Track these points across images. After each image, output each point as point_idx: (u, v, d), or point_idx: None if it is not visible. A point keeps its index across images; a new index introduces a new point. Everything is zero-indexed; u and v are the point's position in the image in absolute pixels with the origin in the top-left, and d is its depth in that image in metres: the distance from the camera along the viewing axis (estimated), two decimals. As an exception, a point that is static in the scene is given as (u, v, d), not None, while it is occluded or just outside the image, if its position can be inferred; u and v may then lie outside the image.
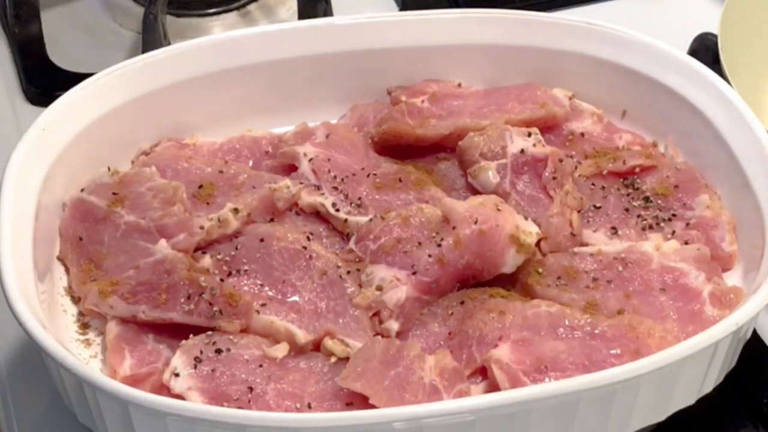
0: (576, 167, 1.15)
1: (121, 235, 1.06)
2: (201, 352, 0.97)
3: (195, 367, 0.96)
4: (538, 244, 1.07)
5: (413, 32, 1.23)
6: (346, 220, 1.10)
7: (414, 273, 1.03)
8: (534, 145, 1.13)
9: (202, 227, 1.06)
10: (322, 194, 1.12)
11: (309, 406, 0.94)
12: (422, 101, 1.20)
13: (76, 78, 1.18)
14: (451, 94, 1.23)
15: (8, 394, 1.06)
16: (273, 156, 1.17)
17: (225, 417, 0.87)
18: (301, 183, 1.13)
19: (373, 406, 0.92)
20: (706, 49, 1.35)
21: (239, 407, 0.93)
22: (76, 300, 1.05)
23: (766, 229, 1.05)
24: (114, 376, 0.96)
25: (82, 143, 1.11)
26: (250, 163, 1.17)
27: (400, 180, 1.13)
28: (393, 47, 1.23)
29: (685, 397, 0.97)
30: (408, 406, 0.91)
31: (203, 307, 1.00)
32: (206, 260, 1.05)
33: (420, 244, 1.05)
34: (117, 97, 1.15)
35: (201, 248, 1.07)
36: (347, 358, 0.97)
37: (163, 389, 0.95)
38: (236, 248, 1.06)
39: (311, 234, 1.08)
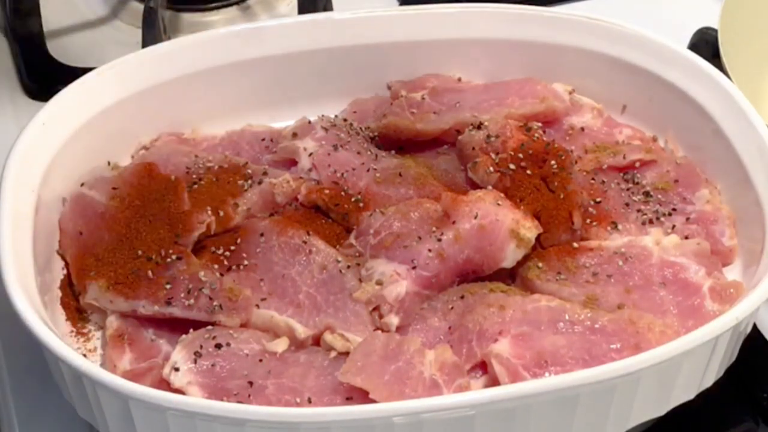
0: (576, 162, 1.15)
1: (121, 229, 1.06)
2: (201, 346, 0.97)
3: (195, 362, 0.96)
4: (538, 238, 1.07)
5: (413, 27, 1.23)
6: (346, 214, 1.10)
7: (414, 267, 1.03)
8: (534, 139, 1.13)
9: (201, 222, 1.06)
10: (322, 189, 1.12)
11: (309, 401, 0.94)
12: (422, 96, 1.20)
13: (76, 73, 1.18)
14: (451, 88, 1.23)
15: (8, 389, 1.06)
16: (273, 150, 1.17)
17: (225, 411, 0.87)
18: (301, 177, 1.13)
19: (373, 401, 0.92)
20: (706, 44, 1.35)
21: (239, 402, 0.93)
22: (75, 294, 1.05)
23: (766, 223, 1.05)
24: (114, 371, 0.96)
25: (82, 138, 1.11)
26: (250, 157, 1.17)
27: (400, 174, 1.13)
28: (393, 42, 1.23)
29: (685, 392, 0.97)
30: (408, 400, 0.91)
31: (203, 301, 1.00)
32: (206, 255, 1.06)
33: (420, 238, 1.05)
34: (117, 91, 1.15)
35: (201, 243, 1.07)
36: (347, 353, 0.97)
37: (163, 384, 0.95)
38: (236, 243, 1.06)
39: (311, 229, 1.08)
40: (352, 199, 1.11)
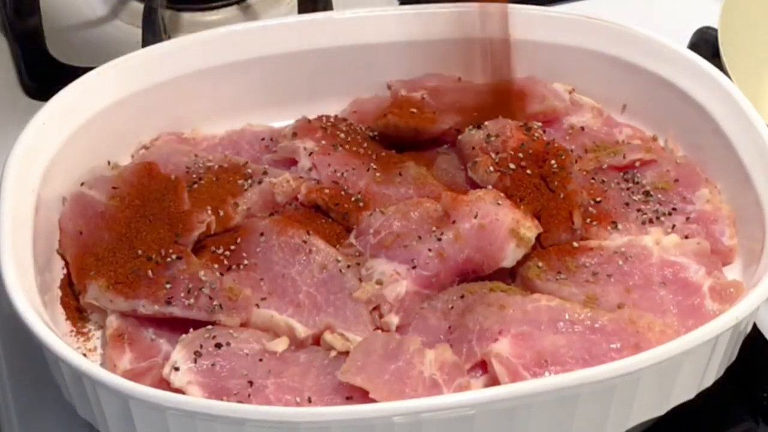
0: (576, 161, 1.15)
1: (121, 229, 1.06)
2: (201, 346, 0.97)
3: (195, 362, 0.96)
4: (538, 238, 1.07)
5: (413, 26, 1.23)
6: (346, 214, 1.10)
7: (414, 267, 1.03)
8: (534, 138, 1.13)
9: (201, 221, 1.06)
10: (322, 188, 1.12)
11: (309, 400, 0.94)
12: (422, 95, 1.20)
13: (75, 72, 1.18)
14: (451, 88, 1.22)
15: (8, 389, 1.06)
16: (273, 150, 1.17)
17: (225, 411, 0.87)
18: (301, 177, 1.13)
19: (373, 400, 0.92)
20: (706, 43, 1.35)
21: (239, 401, 0.93)
22: (75, 294, 1.05)
23: (766, 223, 1.05)
24: (114, 371, 0.96)
25: (82, 137, 1.11)
26: (250, 157, 1.17)
27: (400, 174, 1.13)
28: (393, 41, 1.23)
29: (685, 392, 0.97)
30: (408, 400, 0.91)
31: (203, 301, 1.00)
32: (206, 255, 1.05)
33: (420, 238, 1.05)
34: (117, 91, 1.15)
35: (201, 242, 1.07)
36: (347, 352, 0.97)
37: (163, 383, 0.95)
38: (236, 242, 1.06)
39: (311, 228, 1.08)
40: (352, 199, 1.11)
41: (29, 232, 1.02)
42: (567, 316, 0.99)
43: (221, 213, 1.08)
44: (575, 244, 1.08)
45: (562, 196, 1.09)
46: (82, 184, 1.10)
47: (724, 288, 1.03)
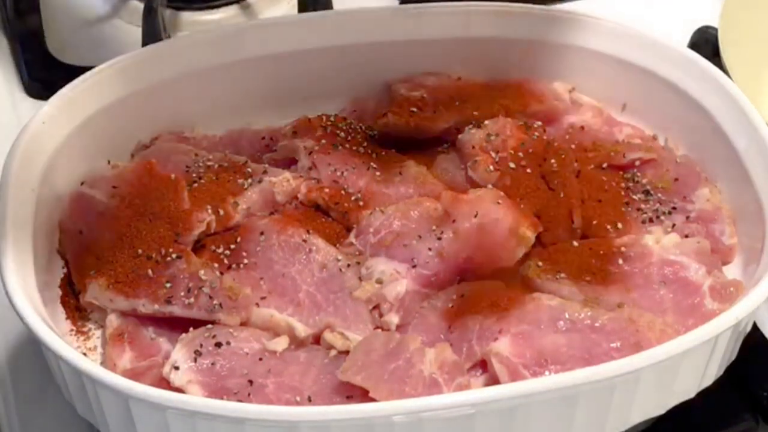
0: (576, 161, 1.15)
1: (121, 228, 1.06)
2: (201, 345, 0.97)
3: (195, 361, 0.96)
4: (538, 237, 1.07)
5: (413, 25, 1.23)
6: (346, 213, 1.10)
7: (414, 266, 1.03)
8: (534, 138, 1.13)
9: (202, 221, 1.06)
10: (322, 187, 1.12)
11: (309, 400, 0.94)
12: (422, 94, 1.20)
13: (75, 71, 1.17)
14: (451, 87, 1.22)
15: (9, 388, 1.06)
16: (273, 149, 1.17)
17: (225, 410, 0.87)
18: (300, 176, 1.13)
19: (373, 400, 0.92)
20: (706, 42, 1.35)
21: (239, 400, 0.93)
22: (75, 293, 1.05)
23: (766, 222, 1.05)
24: (114, 370, 0.96)
25: (82, 136, 1.11)
26: (250, 156, 1.17)
27: (400, 173, 1.13)
28: (393, 40, 1.23)
29: (685, 391, 0.97)
30: (408, 399, 0.91)
31: (203, 300, 1.00)
32: (206, 254, 1.05)
33: (420, 237, 1.05)
34: (117, 90, 1.15)
35: (201, 242, 1.07)
36: (347, 352, 0.97)
37: (163, 383, 0.95)
38: (236, 242, 1.06)
39: (311, 227, 1.08)
40: (352, 198, 1.11)
41: (29, 231, 1.02)
42: (567, 315, 0.99)
43: (221, 212, 1.08)
44: (575, 243, 1.08)
45: (562, 195, 1.09)
46: (82, 183, 1.10)
47: (724, 287, 1.03)
